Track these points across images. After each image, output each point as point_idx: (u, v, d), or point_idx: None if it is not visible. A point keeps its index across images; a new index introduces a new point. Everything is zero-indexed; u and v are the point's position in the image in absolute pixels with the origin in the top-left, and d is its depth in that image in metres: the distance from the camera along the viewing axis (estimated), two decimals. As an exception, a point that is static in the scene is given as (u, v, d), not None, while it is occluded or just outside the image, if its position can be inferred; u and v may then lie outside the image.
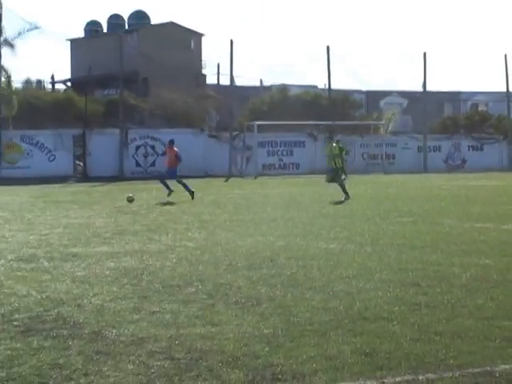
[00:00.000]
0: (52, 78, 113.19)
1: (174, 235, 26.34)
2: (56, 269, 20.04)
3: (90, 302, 15.87)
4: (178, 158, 45.42)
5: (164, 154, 49.02)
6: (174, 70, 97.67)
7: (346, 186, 44.07)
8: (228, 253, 22.34)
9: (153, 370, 10.94)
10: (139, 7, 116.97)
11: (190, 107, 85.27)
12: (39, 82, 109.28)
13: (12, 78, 78.33)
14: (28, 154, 66.14)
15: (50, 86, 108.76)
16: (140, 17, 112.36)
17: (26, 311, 15.05)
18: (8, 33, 70.86)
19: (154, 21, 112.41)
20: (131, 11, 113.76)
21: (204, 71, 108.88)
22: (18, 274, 19.36)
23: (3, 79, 73.48)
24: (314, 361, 11.20)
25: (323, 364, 11.04)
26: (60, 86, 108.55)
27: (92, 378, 10.68)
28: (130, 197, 40.04)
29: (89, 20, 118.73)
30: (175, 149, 45.08)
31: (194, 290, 16.96)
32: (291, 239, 25.12)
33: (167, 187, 44.61)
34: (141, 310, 14.97)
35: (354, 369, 10.85)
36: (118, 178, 64.32)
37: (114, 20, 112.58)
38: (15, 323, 14.07)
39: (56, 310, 15.01)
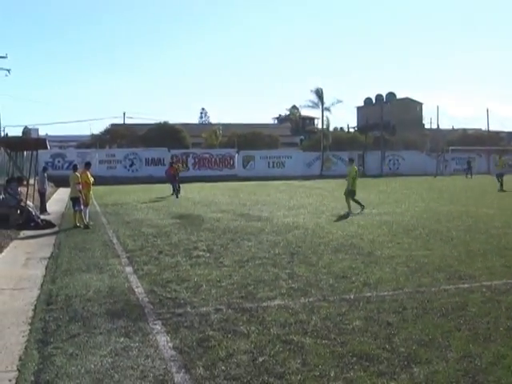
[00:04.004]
0: (347, 125, 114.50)
1: (407, 205, 25.90)
2: (349, 220, 20.29)
3: (367, 237, 16.20)
4: None
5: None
6: (407, 121, 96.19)
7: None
8: (437, 213, 21.79)
9: (398, 271, 11.22)
10: (391, 89, 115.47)
11: (414, 139, 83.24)
12: (341, 128, 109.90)
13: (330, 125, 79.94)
14: (335, 163, 65.94)
15: (346, 129, 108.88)
16: (391, 95, 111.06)
17: (335, 240, 15.67)
18: (326, 104, 71.67)
19: (399, 96, 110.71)
20: (387, 92, 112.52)
21: (423, 121, 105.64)
22: (332, 222, 19.68)
23: (325, 126, 74.62)
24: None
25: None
26: (351, 130, 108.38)
27: (366, 274, 11.11)
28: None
29: (365, 97, 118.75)
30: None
31: (418, 232, 16.98)
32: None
33: None
34: (392, 242, 15.19)
35: None
36: (379, 175, 63.42)
37: (378, 97, 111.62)
38: (330, 246, 14.75)
39: (349, 241, 15.53)
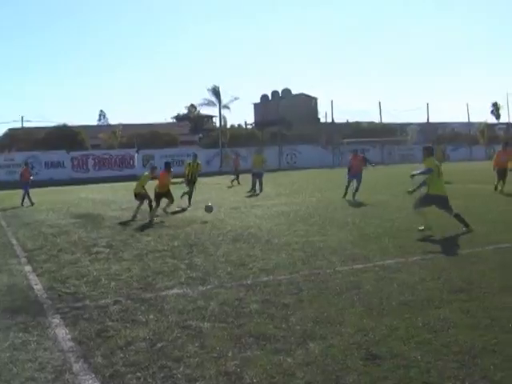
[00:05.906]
0: (245, 122, 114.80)
1: (304, 196, 26.17)
2: (248, 212, 20.41)
3: (264, 226, 16.28)
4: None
5: None
6: (303, 116, 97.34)
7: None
8: (333, 202, 22.10)
9: (295, 257, 11.45)
10: (286, 86, 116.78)
11: (311, 133, 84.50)
12: (239, 124, 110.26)
13: (227, 122, 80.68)
14: (231, 159, 66.16)
15: (244, 126, 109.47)
16: (287, 91, 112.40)
17: (234, 230, 15.70)
18: (224, 101, 72.17)
19: (294, 92, 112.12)
20: (282, 88, 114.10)
21: (319, 116, 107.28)
22: (230, 215, 19.73)
23: (223, 123, 75.06)
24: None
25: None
26: (249, 126, 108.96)
27: (263, 261, 11.19)
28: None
29: (262, 94, 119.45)
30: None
31: (315, 220, 17.24)
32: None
33: None
34: (289, 230, 15.43)
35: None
36: (277, 169, 63.77)
37: (274, 94, 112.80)
38: (229, 236, 14.77)
39: (247, 231, 15.60)
